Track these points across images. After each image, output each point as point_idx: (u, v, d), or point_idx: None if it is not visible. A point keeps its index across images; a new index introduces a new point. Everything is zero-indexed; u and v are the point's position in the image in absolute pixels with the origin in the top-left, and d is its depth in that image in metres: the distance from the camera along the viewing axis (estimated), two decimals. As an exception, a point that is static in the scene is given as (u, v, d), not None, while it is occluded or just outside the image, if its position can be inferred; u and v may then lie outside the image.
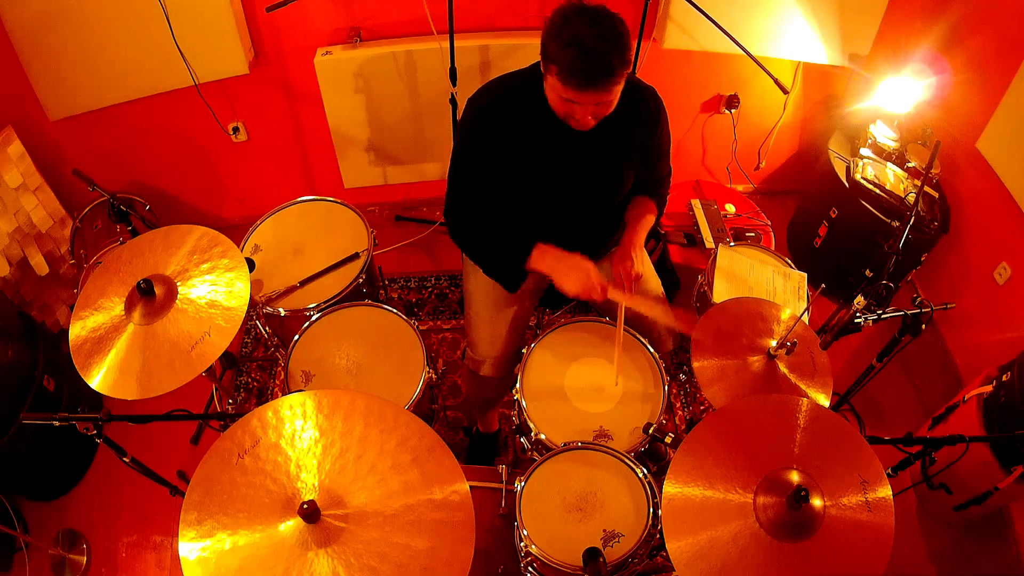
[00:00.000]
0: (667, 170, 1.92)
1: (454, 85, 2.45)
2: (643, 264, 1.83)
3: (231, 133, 2.89)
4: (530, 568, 1.56)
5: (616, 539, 1.50)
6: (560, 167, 1.72)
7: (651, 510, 1.52)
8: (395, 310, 1.94)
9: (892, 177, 2.70)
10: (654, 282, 2.04)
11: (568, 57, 1.45)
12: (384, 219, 3.29)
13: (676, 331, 1.97)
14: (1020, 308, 2.44)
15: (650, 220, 1.90)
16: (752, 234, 2.68)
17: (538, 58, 1.61)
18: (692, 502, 1.31)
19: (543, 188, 1.75)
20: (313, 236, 2.14)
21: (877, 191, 2.65)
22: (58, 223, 2.66)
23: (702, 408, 2.65)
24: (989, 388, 2.11)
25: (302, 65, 2.66)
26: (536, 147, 1.68)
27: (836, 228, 2.85)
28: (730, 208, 2.82)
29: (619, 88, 1.52)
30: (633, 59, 1.51)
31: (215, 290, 1.69)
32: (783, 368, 1.69)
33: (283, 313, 1.96)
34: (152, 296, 1.65)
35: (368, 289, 2.08)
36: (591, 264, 1.73)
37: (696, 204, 2.82)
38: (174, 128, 2.82)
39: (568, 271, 1.71)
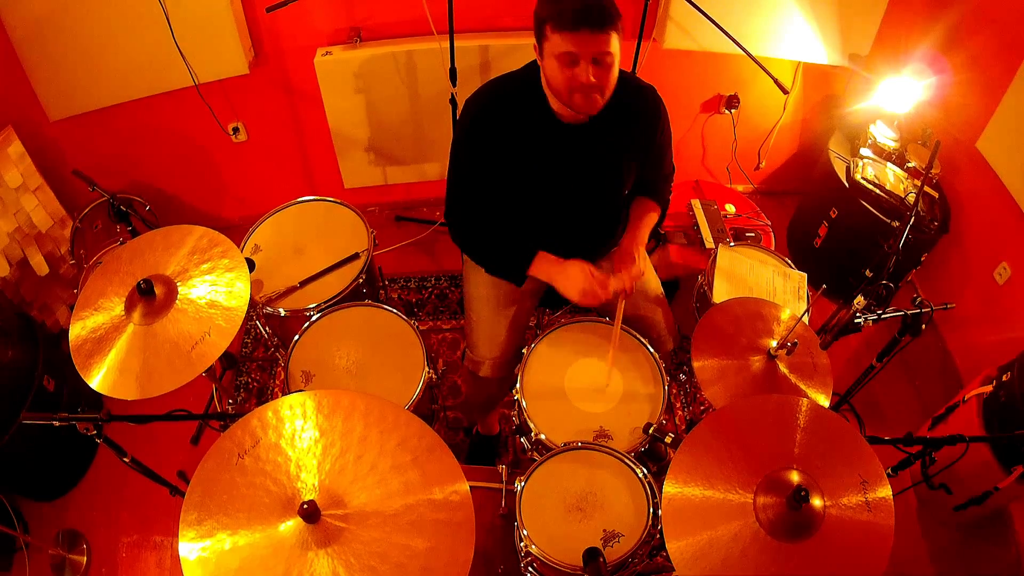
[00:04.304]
0: (669, 169, 1.92)
1: (454, 85, 2.45)
2: (645, 263, 1.84)
3: (231, 133, 2.89)
4: (530, 568, 1.56)
5: (616, 539, 1.50)
6: (559, 166, 1.71)
7: (651, 510, 1.52)
8: (395, 310, 1.94)
9: (892, 177, 2.70)
10: (654, 282, 2.04)
11: (563, 5, 1.47)
12: (384, 219, 3.29)
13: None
14: (1020, 308, 2.43)
15: (652, 220, 1.90)
16: (752, 234, 2.68)
17: (536, 58, 1.61)
18: (692, 502, 1.31)
19: (543, 188, 1.75)
20: (313, 236, 2.14)
21: (877, 191, 2.65)
22: (58, 223, 2.66)
23: (702, 408, 2.65)
24: (989, 388, 2.11)
25: (302, 65, 2.66)
26: (535, 147, 1.68)
27: (836, 228, 2.85)
28: (730, 208, 2.82)
29: (616, 44, 1.51)
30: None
31: (215, 290, 1.69)
32: (783, 368, 1.69)
33: (283, 313, 1.96)
34: (152, 296, 1.65)
35: (368, 289, 2.08)
36: (589, 266, 1.74)
37: (696, 204, 2.81)
38: (174, 128, 2.82)
39: (568, 278, 1.73)
